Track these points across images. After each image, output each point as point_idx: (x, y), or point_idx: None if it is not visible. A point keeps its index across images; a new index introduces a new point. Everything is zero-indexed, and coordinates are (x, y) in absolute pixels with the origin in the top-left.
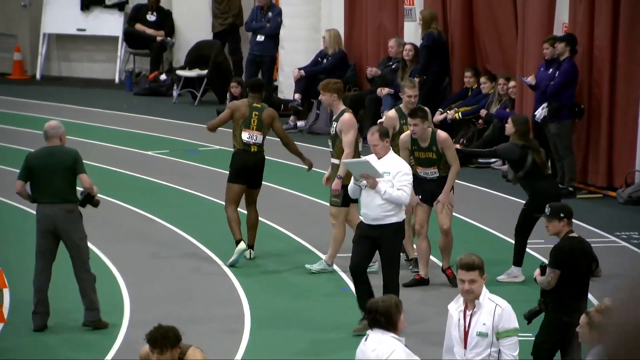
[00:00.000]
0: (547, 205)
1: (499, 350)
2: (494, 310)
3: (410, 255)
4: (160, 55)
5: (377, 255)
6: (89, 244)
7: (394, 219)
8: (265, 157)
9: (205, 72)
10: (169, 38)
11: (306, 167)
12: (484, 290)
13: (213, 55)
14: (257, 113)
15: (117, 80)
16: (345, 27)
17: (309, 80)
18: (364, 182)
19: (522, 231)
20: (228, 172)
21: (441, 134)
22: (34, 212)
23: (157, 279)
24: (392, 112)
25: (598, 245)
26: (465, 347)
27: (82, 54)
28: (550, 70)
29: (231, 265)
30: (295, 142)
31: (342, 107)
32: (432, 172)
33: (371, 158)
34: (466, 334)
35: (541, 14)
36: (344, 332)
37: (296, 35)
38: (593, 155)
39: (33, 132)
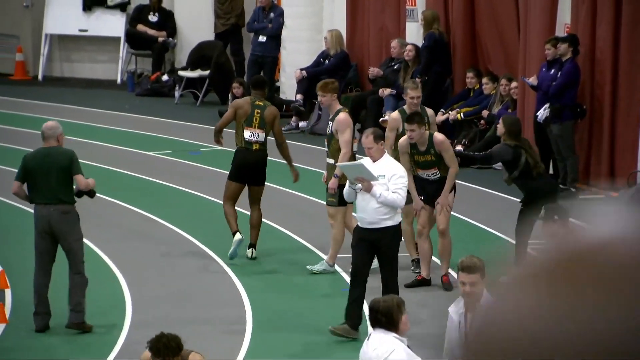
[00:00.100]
0: (543, 207)
1: None
2: None
3: (413, 256)
4: (162, 56)
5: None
6: (91, 244)
7: (390, 222)
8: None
9: (207, 72)
10: (170, 39)
11: (292, 176)
12: (485, 292)
13: (215, 56)
14: (259, 111)
15: (119, 80)
16: (347, 28)
17: (310, 81)
18: (359, 185)
19: (522, 232)
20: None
21: (438, 136)
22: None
23: (158, 279)
24: (395, 114)
25: None
26: None
27: (84, 54)
28: (552, 70)
29: (231, 258)
30: (297, 143)
31: (339, 106)
32: (433, 174)
33: (366, 161)
34: (467, 336)
35: (543, 15)
36: None
37: (298, 36)
38: (595, 156)
39: (35, 132)
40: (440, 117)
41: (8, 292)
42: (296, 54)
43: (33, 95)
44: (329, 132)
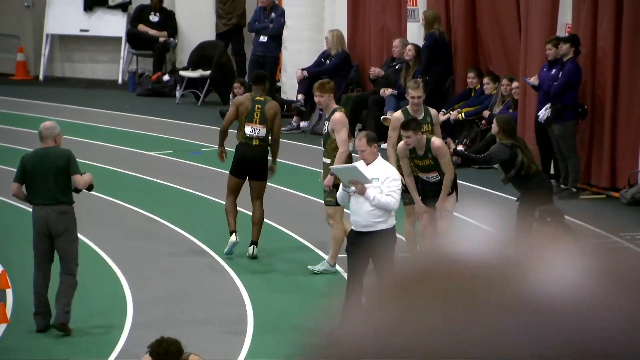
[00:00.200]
0: (537, 209)
1: None
2: None
3: None
4: (163, 56)
5: None
6: (91, 244)
7: (384, 226)
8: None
9: (208, 72)
10: (171, 39)
11: (270, 170)
12: None
13: (216, 56)
14: (259, 106)
15: (120, 80)
16: (348, 28)
17: (311, 81)
18: (353, 188)
19: (522, 233)
20: None
21: (435, 142)
22: None
23: (158, 279)
24: (398, 113)
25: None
26: None
27: (85, 54)
28: (553, 70)
29: (227, 254)
30: (298, 143)
31: (335, 106)
32: (433, 177)
33: (359, 164)
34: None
35: (544, 15)
36: None
37: (299, 36)
38: (596, 156)
39: (36, 132)
40: (442, 117)
41: (9, 292)
42: (297, 54)
43: (34, 96)
44: (325, 131)
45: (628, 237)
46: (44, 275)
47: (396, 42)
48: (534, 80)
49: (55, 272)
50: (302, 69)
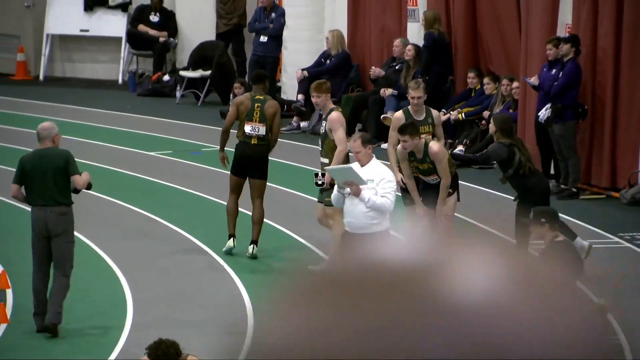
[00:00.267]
0: (532, 209)
1: None
2: None
3: None
4: (164, 56)
5: None
6: (91, 244)
7: (379, 228)
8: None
9: (208, 72)
10: (172, 39)
11: None
12: None
13: (216, 56)
14: (259, 105)
15: (120, 81)
16: (349, 28)
17: (312, 81)
18: (348, 189)
19: (521, 233)
20: None
21: (432, 147)
22: None
23: (158, 279)
24: (399, 113)
25: (601, 246)
26: None
27: (85, 54)
28: (554, 70)
29: (225, 252)
30: (299, 143)
31: (331, 105)
32: (433, 179)
33: (354, 165)
34: None
35: (544, 15)
36: None
37: (299, 36)
38: (596, 156)
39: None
40: (442, 118)
41: (9, 292)
42: (297, 54)
43: (34, 96)
44: (323, 131)
45: (628, 237)
46: (43, 276)
47: (397, 42)
48: (534, 80)
49: (53, 272)
50: (303, 69)
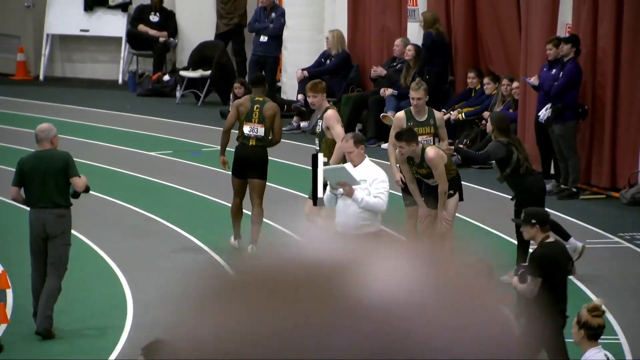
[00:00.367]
0: (523, 210)
1: None
2: None
3: None
4: (163, 56)
5: None
6: (91, 244)
7: (371, 229)
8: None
9: (208, 72)
10: (171, 39)
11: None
12: None
13: (217, 56)
14: (258, 106)
15: (120, 81)
16: (349, 28)
17: None
18: (340, 190)
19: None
20: None
21: (428, 153)
22: None
23: (159, 280)
24: (400, 114)
25: (601, 246)
26: None
27: (85, 54)
28: (554, 70)
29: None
30: (299, 143)
31: (327, 104)
32: (434, 182)
33: (347, 166)
34: None
35: (544, 15)
36: None
37: (299, 36)
38: (596, 156)
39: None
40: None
41: (9, 292)
42: (297, 54)
43: (34, 96)
44: (319, 130)
45: (628, 237)
46: (42, 277)
47: (397, 42)
48: (534, 80)
49: None
50: (303, 69)
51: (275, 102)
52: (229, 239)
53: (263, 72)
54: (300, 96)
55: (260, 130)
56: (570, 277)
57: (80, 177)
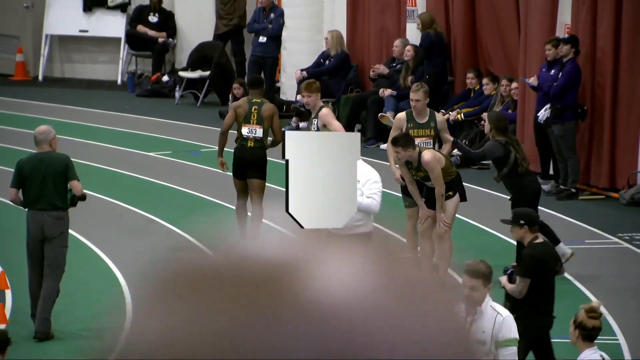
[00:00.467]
0: (512, 211)
1: None
2: (495, 318)
3: (414, 256)
4: (162, 57)
5: None
6: (91, 244)
7: (363, 229)
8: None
9: (207, 73)
10: (170, 39)
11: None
12: (487, 298)
13: (216, 57)
14: (256, 107)
15: (119, 81)
16: (348, 29)
17: None
18: None
19: None
20: None
21: (424, 156)
22: None
23: None
24: (402, 114)
25: (600, 247)
26: None
27: (84, 55)
28: (553, 71)
29: None
30: None
31: (320, 103)
32: (432, 184)
33: None
34: None
35: (543, 15)
36: None
37: (298, 36)
38: (596, 156)
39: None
40: (441, 118)
41: (8, 293)
42: (297, 55)
43: (33, 96)
44: (315, 128)
45: (627, 238)
46: (39, 279)
47: (397, 43)
48: (533, 80)
49: None
50: (302, 70)
51: (273, 103)
52: (228, 238)
53: (262, 73)
54: (299, 97)
55: (259, 132)
56: (570, 277)
57: (79, 180)
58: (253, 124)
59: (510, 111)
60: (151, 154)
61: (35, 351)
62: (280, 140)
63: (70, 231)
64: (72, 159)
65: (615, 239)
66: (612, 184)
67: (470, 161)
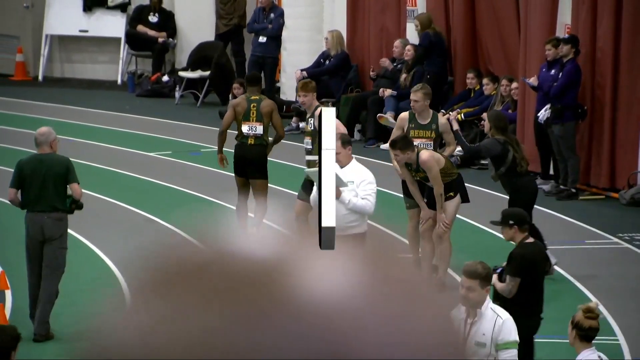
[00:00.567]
0: (501, 212)
1: None
2: (495, 321)
3: (414, 256)
4: (162, 57)
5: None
6: (91, 245)
7: (358, 230)
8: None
9: (207, 73)
10: (170, 39)
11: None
12: (487, 300)
13: (216, 57)
14: (255, 104)
15: (119, 81)
16: (348, 29)
17: None
18: None
19: None
20: None
21: (422, 156)
22: None
23: None
24: (404, 114)
25: (600, 247)
26: None
27: (84, 55)
28: (553, 71)
29: None
30: (298, 144)
31: (316, 103)
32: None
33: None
34: None
35: (543, 15)
36: None
37: (298, 36)
38: (596, 156)
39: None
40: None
41: (8, 293)
42: (297, 55)
43: (33, 96)
44: (312, 128)
45: (627, 238)
46: (38, 280)
47: (397, 43)
48: (533, 80)
49: None
50: (302, 70)
51: (271, 99)
52: (227, 239)
53: (262, 73)
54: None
55: (259, 129)
56: (570, 277)
57: (79, 183)
58: (253, 121)
59: (510, 111)
60: (151, 154)
61: (35, 351)
62: (282, 134)
63: (70, 231)
64: (72, 159)
65: (616, 239)
66: (612, 184)
67: (470, 161)
